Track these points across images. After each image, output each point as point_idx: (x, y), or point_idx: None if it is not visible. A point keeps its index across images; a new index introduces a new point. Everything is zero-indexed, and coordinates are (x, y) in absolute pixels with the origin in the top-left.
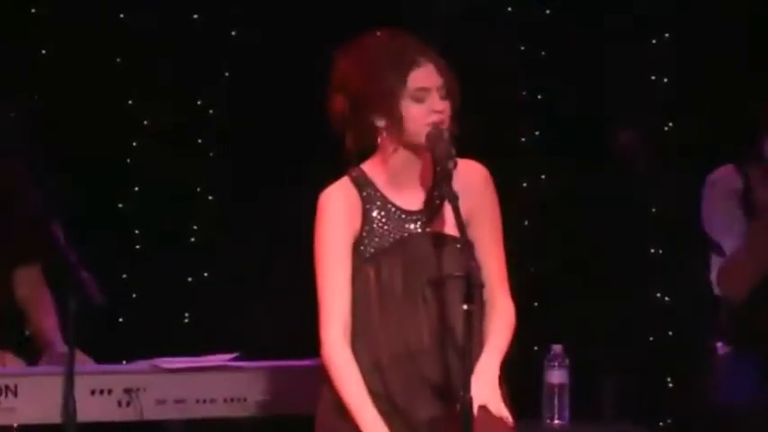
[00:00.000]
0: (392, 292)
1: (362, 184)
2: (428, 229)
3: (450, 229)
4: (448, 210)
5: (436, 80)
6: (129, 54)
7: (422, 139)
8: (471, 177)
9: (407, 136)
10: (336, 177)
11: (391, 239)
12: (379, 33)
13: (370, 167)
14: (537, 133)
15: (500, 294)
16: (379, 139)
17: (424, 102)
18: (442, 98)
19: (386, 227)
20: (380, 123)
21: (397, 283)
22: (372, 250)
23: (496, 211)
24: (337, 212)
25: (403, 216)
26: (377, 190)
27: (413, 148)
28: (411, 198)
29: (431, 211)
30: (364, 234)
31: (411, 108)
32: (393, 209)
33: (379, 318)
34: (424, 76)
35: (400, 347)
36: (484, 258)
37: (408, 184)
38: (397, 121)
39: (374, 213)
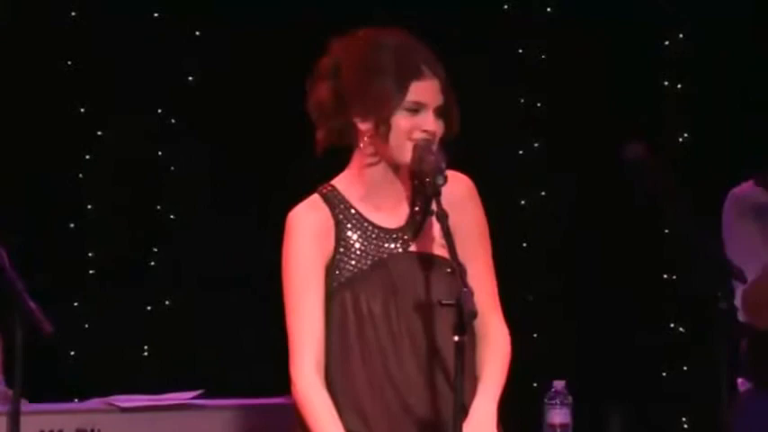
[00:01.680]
0: (372, 319)
1: (334, 202)
2: (411, 249)
3: (436, 248)
4: (432, 227)
5: (436, 98)
6: (80, 56)
7: (402, 154)
8: (454, 189)
9: (389, 147)
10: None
11: (369, 261)
12: (387, 30)
13: (342, 183)
14: (536, 145)
15: (492, 319)
16: (360, 144)
17: (416, 116)
18: (437, 118)
19: (362, 247)
20: (363, 126)
21: (377, 309)
22: (349, 274)
23: (483, 226)
24: (306, 233)
25: (381, 235)
26: (351, 207)
27: (391, 160)
28: (389, 215)
29: (413, 228)
30: (338, 256)
31: (401, 119)
32: (370, 227)
33: (359, 349)
34: (425, 90)
35: (383, 382)
36: (470, 279)
37: (386, 199)
38: (383, 129)
39: (348, 233)
